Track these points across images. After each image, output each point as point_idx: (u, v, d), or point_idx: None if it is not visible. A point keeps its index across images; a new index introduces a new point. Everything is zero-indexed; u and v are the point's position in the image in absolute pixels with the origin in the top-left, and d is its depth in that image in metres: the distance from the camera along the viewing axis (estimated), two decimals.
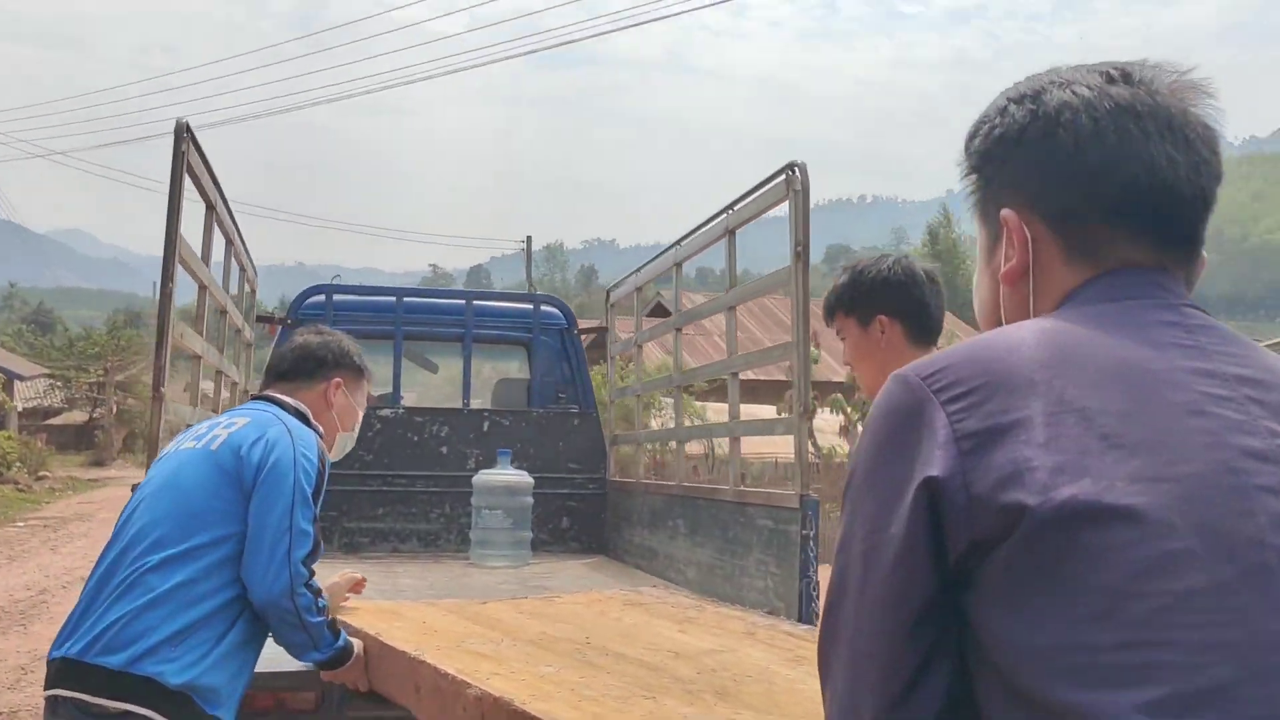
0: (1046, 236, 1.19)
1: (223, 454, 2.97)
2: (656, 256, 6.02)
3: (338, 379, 3.40)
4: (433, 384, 10.57)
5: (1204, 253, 1.21)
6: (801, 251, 4.04)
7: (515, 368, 7.58)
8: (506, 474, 6.28)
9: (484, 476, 6.30)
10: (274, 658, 3.15)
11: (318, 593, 3.01)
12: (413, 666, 3.08)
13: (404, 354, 7.04)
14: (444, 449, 6.74)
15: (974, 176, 1.27)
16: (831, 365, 23.50)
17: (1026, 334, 1.10)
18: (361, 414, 3.54)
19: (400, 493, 6.66)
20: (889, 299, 2.85)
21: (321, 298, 6.85)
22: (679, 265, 5.66)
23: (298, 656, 3.09)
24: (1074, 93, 1.18)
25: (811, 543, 3.94)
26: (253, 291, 6.84)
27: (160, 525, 2.86)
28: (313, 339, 3.45)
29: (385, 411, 6.68)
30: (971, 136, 1.27)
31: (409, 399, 7.65)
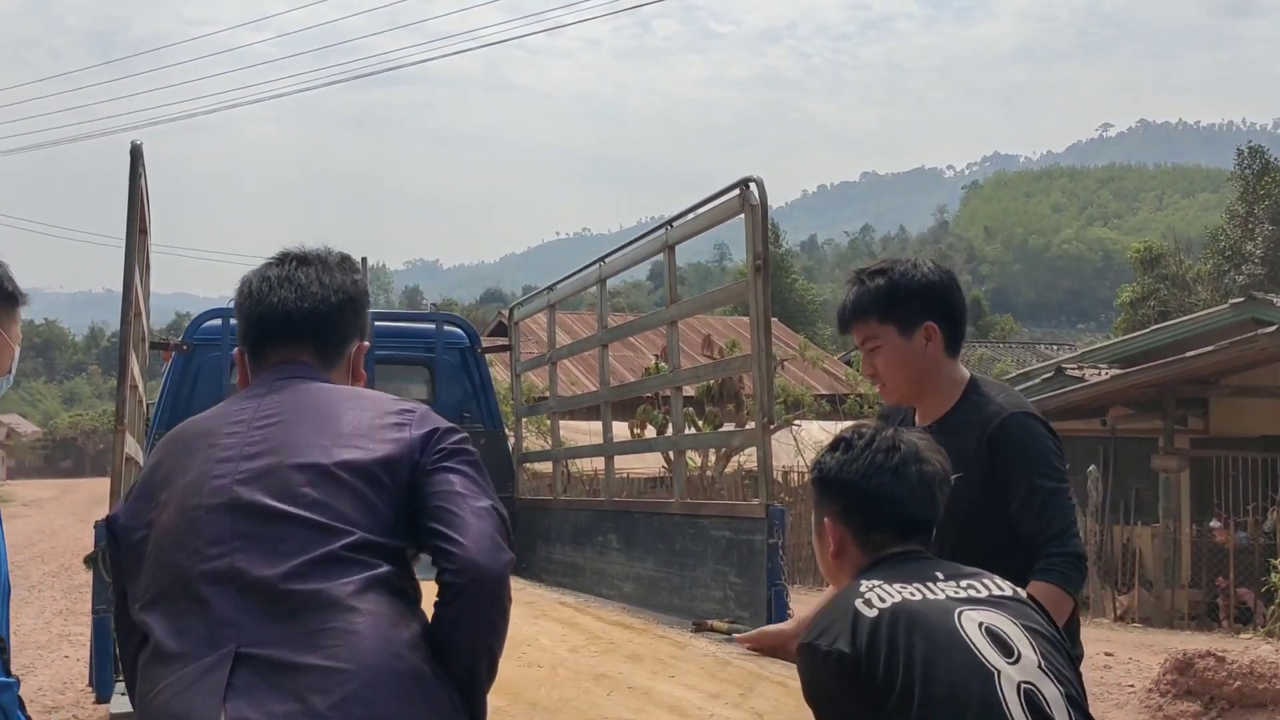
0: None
1: None
2: (577, 273, 6.01)
3: None
4: None
5: (362, 343, 2.17)
6: (761, 265, 4.10)
7: (418, 388, 7.45)
8: None
9: None
10: None
11: None
12: None
13: None
14: None
15: None
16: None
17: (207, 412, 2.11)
18: (17, 349, 2.62)
19: None
20: (935, 304, 2.62)
21: (218, 321, 6.61)
22: (603, 281, 5.67)
23: None
24: (255, 273, 2.14)
25: (780, 551, 3.99)
26: (141, 315, 6.55)
27: None
28: None
29: None
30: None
31: None
